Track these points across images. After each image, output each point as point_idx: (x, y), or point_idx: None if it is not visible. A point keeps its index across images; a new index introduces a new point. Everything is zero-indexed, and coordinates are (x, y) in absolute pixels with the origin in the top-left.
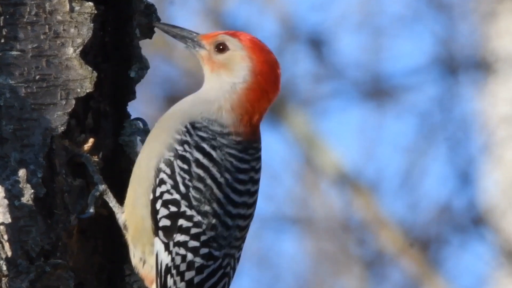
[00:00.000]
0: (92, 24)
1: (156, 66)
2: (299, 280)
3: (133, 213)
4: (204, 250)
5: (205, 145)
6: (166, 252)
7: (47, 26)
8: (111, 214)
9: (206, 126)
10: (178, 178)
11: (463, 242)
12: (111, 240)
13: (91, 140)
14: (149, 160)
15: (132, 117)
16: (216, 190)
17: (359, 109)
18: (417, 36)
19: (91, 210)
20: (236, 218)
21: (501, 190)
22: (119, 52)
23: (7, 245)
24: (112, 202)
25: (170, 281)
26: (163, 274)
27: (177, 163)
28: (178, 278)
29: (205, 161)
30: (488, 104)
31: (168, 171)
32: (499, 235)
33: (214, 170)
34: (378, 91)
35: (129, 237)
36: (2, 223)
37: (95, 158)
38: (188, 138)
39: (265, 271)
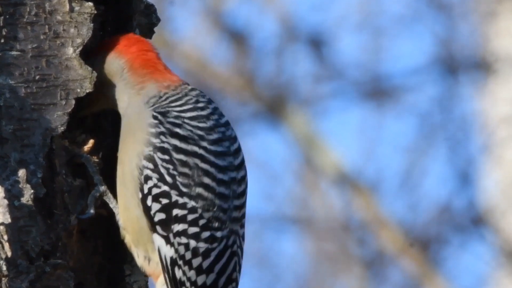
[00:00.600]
0: (92, 24)
1: None
2: (299, 280)
3: (128, 216)
4: (205, 234)
5: (177, 129)
6: (168, 245)
7: (47, 26)
8: (111, 215)
9: (164, 106)
10: (162, 170)
11: (463, 242)
12: (111, 240)
13: (91, 141)
14: (130, 161)
15: None
16: (201, 165)
17: (359, 109)
18: (417, 36)
19: (91, 211)
20: (230, 184)
21: (501, 190)
22: None
23: (7, 245)
24: (113, 203)
25: (179, 273)
26: (169, 267)
27: (158, 155)
28: (186, 268)
29: (182, 144)
30: (488, 104)
31: (151, 166)
32: (499, 235)
33: (192, 147)
34: (378, 91)
35: (129, 239)
36: (2, 223)
37: (95, 159)
38: (162, 128)
39: (265, 271)
